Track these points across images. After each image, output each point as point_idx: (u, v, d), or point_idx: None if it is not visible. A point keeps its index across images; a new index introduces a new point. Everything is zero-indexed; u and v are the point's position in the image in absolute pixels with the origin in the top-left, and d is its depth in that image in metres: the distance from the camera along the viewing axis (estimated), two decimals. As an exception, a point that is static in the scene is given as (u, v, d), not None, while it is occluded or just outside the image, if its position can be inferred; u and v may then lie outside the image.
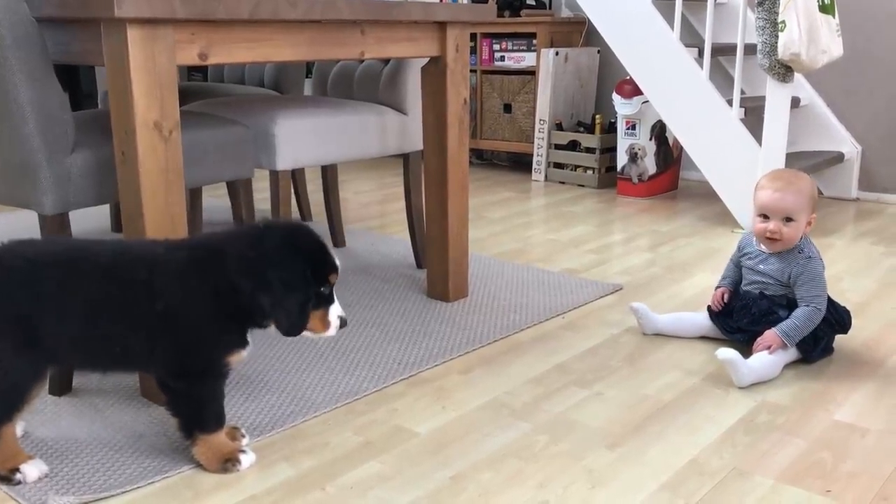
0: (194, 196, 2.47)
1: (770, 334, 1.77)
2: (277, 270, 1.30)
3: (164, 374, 1.37)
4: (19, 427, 1.43)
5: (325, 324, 1.39)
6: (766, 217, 1.84)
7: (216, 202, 3.40)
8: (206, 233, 1.42)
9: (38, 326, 1.27)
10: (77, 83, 4.52)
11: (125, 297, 1.30)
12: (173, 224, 1.55)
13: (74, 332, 1.30)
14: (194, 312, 1.32)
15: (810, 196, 1.83)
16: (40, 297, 1.27)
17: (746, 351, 1.79)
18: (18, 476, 1.32)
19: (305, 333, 1.38)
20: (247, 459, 1.41)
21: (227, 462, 1.39)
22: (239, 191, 2.31)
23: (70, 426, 1.54)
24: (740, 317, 1.89)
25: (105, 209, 3.13)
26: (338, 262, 1.39)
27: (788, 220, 1.81)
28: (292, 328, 1.34)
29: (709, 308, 1.97)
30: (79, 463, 1.41)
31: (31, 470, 1.34)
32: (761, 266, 1.87)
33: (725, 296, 1.95)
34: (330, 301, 1.39)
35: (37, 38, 1.54)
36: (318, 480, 1.38)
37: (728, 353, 1.70)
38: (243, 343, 1.38)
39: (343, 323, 1.40)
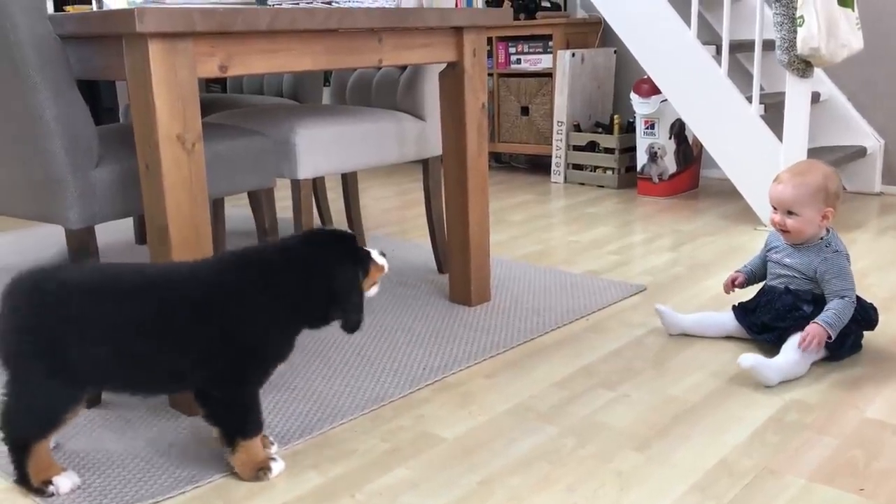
0: (217, 206, 2.49)
1: (814, 327, 1.74)
2: (342, 276, 1.40)
3: (211, 387, 1.38)
4: (52, 439, 1.45)
5: (373, 281, 1.49)
6: (775, 208, 1.85)
7: (238, 212, 3.43)
8: (239, 250, 1.45)
9: (73, 352, 1.28)
10: (98, 98, 4.57)
11: (175, 320, 1.32)
12: (198, 235, 1.57)
13: (115, 358, 1.31)
14: (255, 328, 1.36)
15: (818, 189, 1.80)
16: (79, 322, 1.28)
17: (773, 351, 1.77)
18: (51, 488, 1.34)
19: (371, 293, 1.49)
20: (277, 467, 1.42)
21: (260, 470, 1.41)
22: (261, 200, 2.32)
23: (101, 438, 1.55)
24: (764, 312, 1.87)
25: (128, 222, 3.16)
26: (371, 253, 1.50)
27: (790, 212, 1.81)
28: (358, 323, 1.44)
29: (734, 307, 1.96)
30: (110, 474, 1.42)
31: (64, 482, 1.35)
32: (787, 259, 1.86)
33: (738, 280, 1.97)
34: (366, 263, 1.47)
35: (61, 56, 1.56)
36: (347, 488, 1.38)
37: (749, 360, 1.68)
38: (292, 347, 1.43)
39: (382, 253, 1.51)
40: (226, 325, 1.33)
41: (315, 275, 1.38)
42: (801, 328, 1.78)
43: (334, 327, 1.43)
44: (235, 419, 1.39)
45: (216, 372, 1.35)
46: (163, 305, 1.32)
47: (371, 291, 1.49)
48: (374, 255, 1.49)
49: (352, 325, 1.42)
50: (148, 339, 1.31)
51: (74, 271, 1.37)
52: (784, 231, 1.84)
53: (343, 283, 1.40)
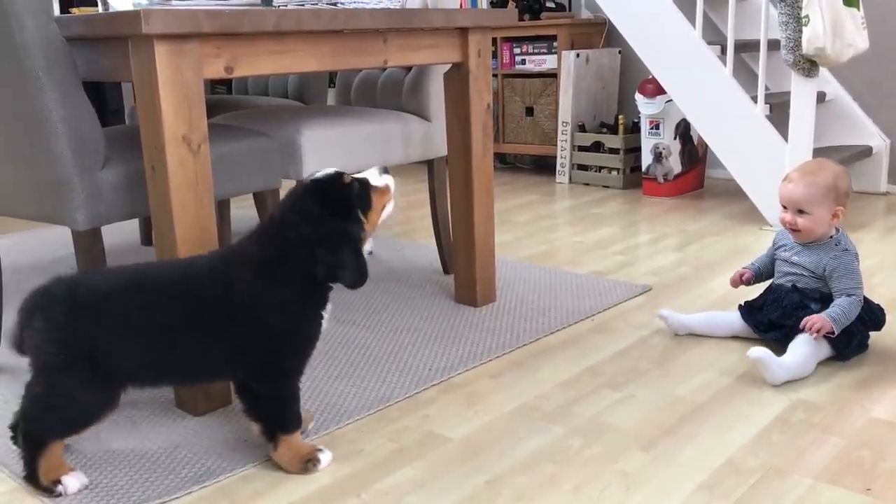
0: (222, 207, 2.49)
1: (817, 316, 1.75)
2: (325, 243, 1.34)
3: (250, 379, 1.38)
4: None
5: (381, 206, 1.43)
6: (785, 208, 1.85)
7: (243, 213, 3.43)
8: (243, 239, 1.44)
9: (112, 356, 1.29)
10: (103, 99, 4.58)
11: (204, 314, 1.33)
12: (204, 236, 1.57)
13: (153, 358, 1.33)
14: (283, 312, 1.36)
15: (829, 188, 1.80)
16: (112, 327, 1.29)
17: (780, 349, 1.77)
18: (60, 488, 1.35)
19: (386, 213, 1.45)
20: (325, 458, 1.44)
21: (308, 462, 1.42)
22: (266, 201, 2.33)
23: (107, 438, 1.56)
24: (771, 310, 1.87)
25: (134, 223, 3.17)
26: (369, 180, 1.42)
27: (801, 211, 1.81)
28: (360, 278, 1.37)
29: (740, 306, 1.96)
30: (117, 474, 1.43)
31: (72, 482, 1.36)
32: (795, 258, 1.86)
33: (745, 276, 1.96)
34: (364, 199, 1.40)
35: (68, 58, 1.57)
36: (354, 487, 1.38)
37: (758, 352, 1.69)
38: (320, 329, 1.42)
39: (384, 170, 1.46)
40: (247, 316, 1.34)
41: (302, 250, 1.34)
42: (808, 326, 1.78)
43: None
44: (275, 413, 1.40)
45: (251, 365, 1.36)
46: (190, 302, 1.33)
47: (385, 212, 1.44)
48: (373, 178, 1.42)
49: (353, 285, 1.36)
50: (181, 336, 1.32)
51: (101, 275, 1.38)
52: (794, 230, 1.84)
53: (328, 251, 1.34)
